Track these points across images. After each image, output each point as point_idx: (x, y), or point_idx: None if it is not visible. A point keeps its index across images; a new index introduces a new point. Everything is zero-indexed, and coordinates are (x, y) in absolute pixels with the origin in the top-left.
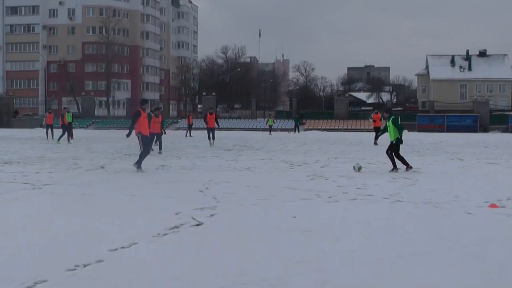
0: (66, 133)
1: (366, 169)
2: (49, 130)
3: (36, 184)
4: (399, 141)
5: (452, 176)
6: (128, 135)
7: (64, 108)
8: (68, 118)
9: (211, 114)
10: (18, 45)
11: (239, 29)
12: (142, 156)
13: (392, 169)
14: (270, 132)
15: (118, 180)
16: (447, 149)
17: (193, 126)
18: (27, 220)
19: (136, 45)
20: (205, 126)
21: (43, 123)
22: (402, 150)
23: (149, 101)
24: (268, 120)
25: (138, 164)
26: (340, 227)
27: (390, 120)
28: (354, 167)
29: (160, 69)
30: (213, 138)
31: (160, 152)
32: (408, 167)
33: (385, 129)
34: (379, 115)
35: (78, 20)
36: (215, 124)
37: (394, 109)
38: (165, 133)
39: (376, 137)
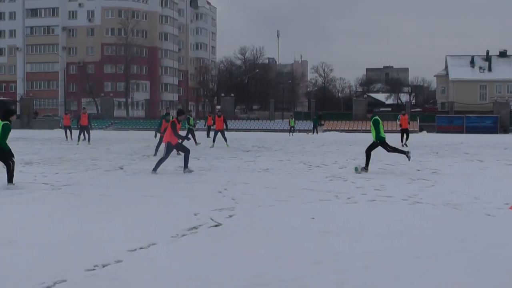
0: (86, 134)
1: (385, 171)
2: (67, 131)
3: (56, 184)
4: (381, 140)
5: (471, 177)
6: (182, 141)
7: (83, 108)
8: (191, 121)
9: (219, 116)
10: (38, 46)
11: (258, 30)
12: (162, 161)
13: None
14: (291, 133)
15: (137, 181)
16: (466, 150)
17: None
18: (46, 220)
19: (154, 47)
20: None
21: (61, 125)
22: (421, 151)
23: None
24: (290, 120)
25: (156, 167)
26: (359, 229)
27: (371, 121)
28: (356, 168)
29: (178, 70)
30: (225, 139)
31: (178, 154)
32: (365, 169)
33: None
34: (406, 116)
35: (97, 21)
36: (224, 125)
37: (413, 110)
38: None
39: (403, 140)
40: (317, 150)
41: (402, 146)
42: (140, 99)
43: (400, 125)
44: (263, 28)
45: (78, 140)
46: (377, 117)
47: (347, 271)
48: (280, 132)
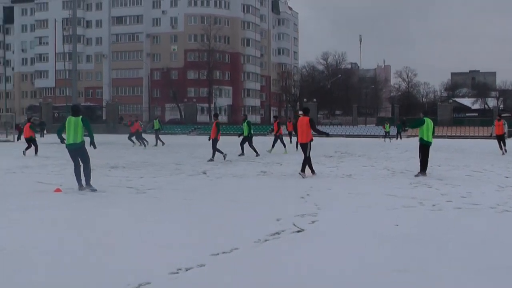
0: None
1: (472, 177)
2: (135, 137)
3: (140, 188)
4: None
5: None
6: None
7: (136, 117)
8: (156, 125)
9: (290, 121)
10: (123, 53)
11: (340, 35)
12: (306, 162)
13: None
14: (389, 139)
15: (220, 186)
16: None
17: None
18: (131, 223)
19: (237, 52)
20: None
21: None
22: (510, 159)
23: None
24: (385, 125)
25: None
26: (444, 236)
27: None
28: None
29: (260, 75)
30: (284, 145)
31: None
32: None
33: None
34: (502, 121)
35: (180, 28)
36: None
37: (503, 115)
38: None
39: (501, 146)
40: (400, 156)
41: (502, 153)
42: (223, 105)
43: (492, 132)
44: (345, 33)
45: (156, 144)
46: (423, 119)
47: (433, 279)
48: (363, 137)
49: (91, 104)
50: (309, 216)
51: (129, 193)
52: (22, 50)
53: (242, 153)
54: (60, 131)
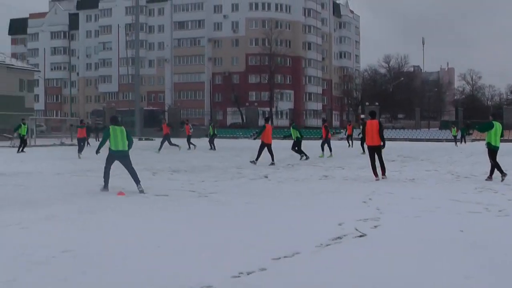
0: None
1: None
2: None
3: (202, 192)
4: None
5: None
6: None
7: (186, 119)
8: (210, 130)
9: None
10: (185, 58)
11: (402, 38)
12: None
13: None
14: (455, 143)
15: (281, 190)
16: None
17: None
18: (192, 226)
19: (298, 56)
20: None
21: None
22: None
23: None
24: (451, 129)
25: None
26: (511, 243)
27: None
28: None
29: (322, 79)
30: (330, 149)
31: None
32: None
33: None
34: None
35: (241, 32)
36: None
37: None
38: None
39: None
40: (465, 160)
41: None
42: (284, 108)
43: None
44: (407, 35)
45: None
46: (491, 122)
47: (500, 285)
48: (426, 141)
49: (154, 108)
50: (371, 220)
51: (191, 196)
52: (87, 56)
53: (304, 157)
54: (104, 141)
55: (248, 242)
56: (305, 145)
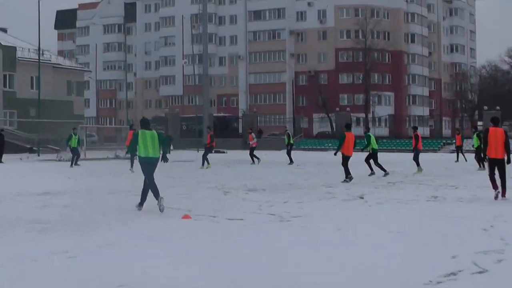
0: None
1: None
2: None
3: (284, 216)
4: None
5: None
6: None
7: (208, 127)
8: (286, 139)
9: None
10: (262, 54)
11: None
12: None
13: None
14: None
15: (381, 214)
16: None
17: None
18: (269, 259)
19: (399, 50)
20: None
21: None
22: None
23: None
24: None
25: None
26: None
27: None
28: None
29: (429, 78)
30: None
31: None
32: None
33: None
34: None
35: (330, 23)
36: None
37: None
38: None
39: None
40: None
41: None
42: (383, 114)
43: None
44: None
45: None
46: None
47: None
48: None
49: (225, 114)
50: (493, 253)
51: (270, 221)
52: (145, 53)
53: (384, 171)
54: (134, 146)
55: (336, 279)
56: (407, 158)
